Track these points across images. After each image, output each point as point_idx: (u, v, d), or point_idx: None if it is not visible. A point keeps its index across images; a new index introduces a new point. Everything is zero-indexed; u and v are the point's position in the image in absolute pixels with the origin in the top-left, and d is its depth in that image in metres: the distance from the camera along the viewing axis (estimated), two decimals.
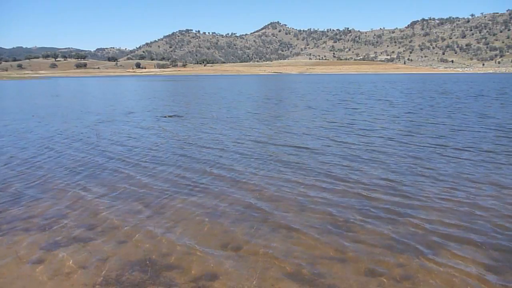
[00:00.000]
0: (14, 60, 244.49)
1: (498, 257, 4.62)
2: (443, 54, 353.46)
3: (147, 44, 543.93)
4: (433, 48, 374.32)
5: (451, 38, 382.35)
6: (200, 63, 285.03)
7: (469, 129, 13.64)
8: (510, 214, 5.87)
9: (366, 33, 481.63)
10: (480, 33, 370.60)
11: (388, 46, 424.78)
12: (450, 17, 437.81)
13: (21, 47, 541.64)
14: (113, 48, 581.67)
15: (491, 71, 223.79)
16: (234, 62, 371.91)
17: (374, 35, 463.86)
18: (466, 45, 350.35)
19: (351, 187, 7.28)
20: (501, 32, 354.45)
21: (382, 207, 6.24)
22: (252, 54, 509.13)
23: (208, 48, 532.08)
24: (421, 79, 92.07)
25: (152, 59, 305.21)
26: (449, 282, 4.12)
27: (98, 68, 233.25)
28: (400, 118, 17.06)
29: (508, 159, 9.14)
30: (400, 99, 28.97)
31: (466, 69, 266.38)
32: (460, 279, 4.17)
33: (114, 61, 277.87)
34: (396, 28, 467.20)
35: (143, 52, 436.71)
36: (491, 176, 7.76)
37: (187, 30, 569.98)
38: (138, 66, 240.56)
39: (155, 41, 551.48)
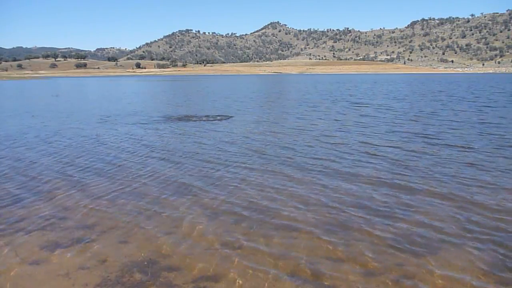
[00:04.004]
0: (14, 60, 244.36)
1: (497, 257, 4.60)
2: (443, 54, 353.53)
3: (147, 44, 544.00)
4: (433, 48, 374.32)
5: (451, 38, 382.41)
6: (200, 63, 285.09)
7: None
8: (509, 214, 5.88)
9: (366, 33, 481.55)
10: (480, 33, 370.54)
11: (388, 46, 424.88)
12: (450, 17, 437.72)
13: (21, 47, 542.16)
14: (113, 48, 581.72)
15: (491, 71, 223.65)
16: (234, 62, 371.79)
17: (374, 35, 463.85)
18: (466, 45, 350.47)
19: (350, 185, 7.29)
20: (501, 32, 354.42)
21: (381, 207, 6.24)
22: (252, 54, 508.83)
23: (208, 48, 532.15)
24: (415, 79, 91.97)
25: (152, 59, 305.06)
26: (448, 283, 4.10)
27: (98, 68, 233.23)
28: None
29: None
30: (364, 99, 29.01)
31: (466, 69, 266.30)
32: (460, 280, 4.16)
33: (114, 61, 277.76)
34: (396, 28, 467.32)
35: (143, 52, 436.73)
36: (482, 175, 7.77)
37: (187, 30, 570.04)
38: (138, 66, 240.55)
39: (155, 41, 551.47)
